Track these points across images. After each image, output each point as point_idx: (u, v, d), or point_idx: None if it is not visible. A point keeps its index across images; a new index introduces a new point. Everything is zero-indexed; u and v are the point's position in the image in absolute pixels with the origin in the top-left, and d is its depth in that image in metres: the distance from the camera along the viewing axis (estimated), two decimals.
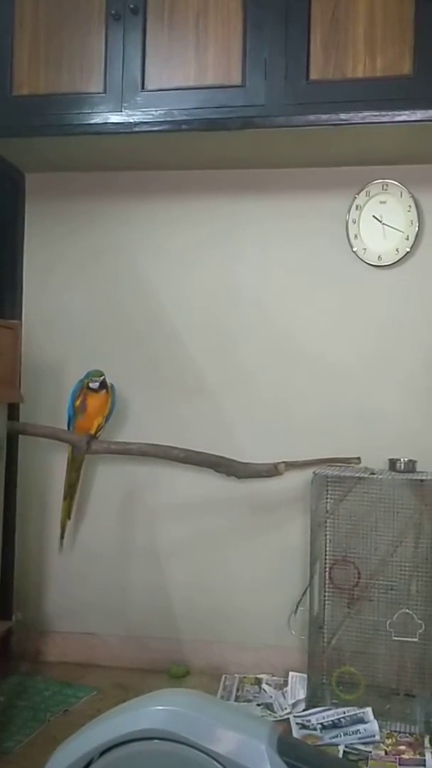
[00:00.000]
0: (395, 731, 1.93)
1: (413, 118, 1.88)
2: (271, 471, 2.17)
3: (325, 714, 1.95)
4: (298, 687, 2.13)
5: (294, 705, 2.07)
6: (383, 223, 2.25)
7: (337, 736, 1.87)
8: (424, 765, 1.78)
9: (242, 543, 2.34)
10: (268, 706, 2.07)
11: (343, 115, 1.91)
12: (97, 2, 2.02)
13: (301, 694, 2.09)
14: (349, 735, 1.87)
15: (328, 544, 2.11)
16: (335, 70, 1.91)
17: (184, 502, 2.37)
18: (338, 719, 1.92)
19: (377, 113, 1.89)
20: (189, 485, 2.35)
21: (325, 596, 2.11)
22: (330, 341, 2.30)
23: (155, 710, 1.13)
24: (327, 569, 2.11)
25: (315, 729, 1.90)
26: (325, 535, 2.11)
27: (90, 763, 1.12)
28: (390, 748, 1.85)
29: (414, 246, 2.24)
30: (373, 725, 1.90)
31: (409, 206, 2.23)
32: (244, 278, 2.36)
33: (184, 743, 1.08)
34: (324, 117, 1.92)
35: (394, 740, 1.88)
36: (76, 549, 2.43)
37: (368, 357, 2.28)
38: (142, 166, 2.37)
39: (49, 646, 2.40)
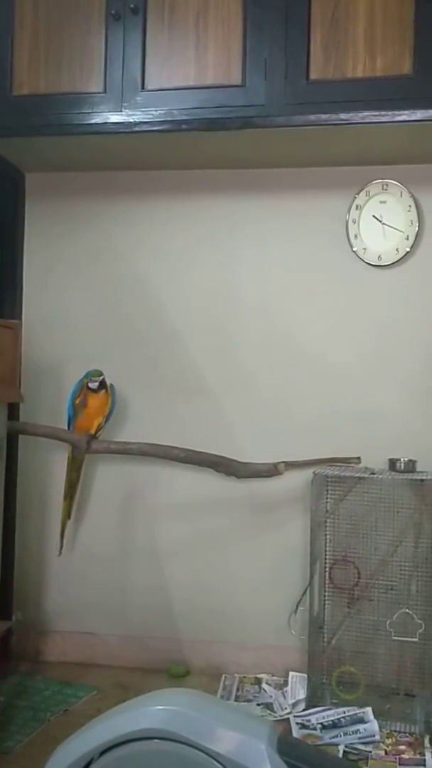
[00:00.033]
0: (395, 731, 1.93)
1: (413, 118, 1.89)
2: (271, 471, 2.17)
3: (325, 714, 1.95)
4: (298, 687, 2.13)
5: (294, 705, 2.07)
6: (383, 223, 2.25)
7: (337, 736, 1.87)
8: (424, 765, 1.78)
9: (242, 543, 2.34)
10: (268, 706, 2.07)
11: (343, 115, 1.91)
12: (97, 2, 2.02)
13: (301, 693, 2.09)
14: (349, 735, 1.87)
15: (328, 544, 2.11)
16: (335, 70, 1.91)
17: (184, 501, 2.37)
18: (338, 719, 1.92)
19: (377, 113, 1.90)
20: (189, 485, 2.35)
21: (325, 596, 2.12)
22: (330, 341, 2.30)
23: (155, 710, 1.13)
24: (327, 569, 2.11)
25: (315, 729, 1.90)
26: (325, 534, 2.11)
27: (90, 762, 1.12)
28: (390, 747, 1.85)
29: (414, 246, 2.24)
30: (373, 725, 1.90)
31: (409, 206, 2.23)
32: (244, 278, 2.36)
33: (184, 743, 1.08)
34: (324, 117, 1.92)
35: (394, 740, 1.88)
36: (76, 549, 2.43)
37: (368, 357, 2.28)
38: (142, 165, 2.37)
39: (49, 645, 2.41)
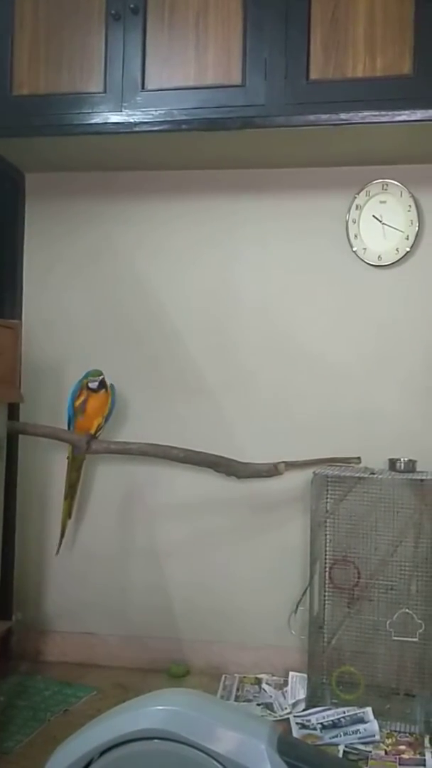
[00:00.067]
0: (395, 731, 1.93)
1: (413, 118, 1.89)
2: (271, 471, 2.17)
3: (325, 714, 1.95)
4: (298, 687, 2.13)
5: (294, 705, 2.07)
6: (383, 223, 2.25)
7: (337, 736, 1.87)
8: (424, 765, 1.78)
9: (242, 543, 2.34)
10: (268, 706, 2.07)
11: (343, 115, 1.91)
12: (97, 2, 2.02)
13: (301, 693, 2.09)
14: (349, 735, 1.87)
15: (328, 544, 2.11)
16: (335, 70, 1.91)
17: (183, 502, 2.37)
18: (338, 719, 1.92)
19: (377, 113, 1.90)
20: (189, 485, 2.35)
21: (325, 596, 2.12)
22: (330, 341, 2.30)
23: (155, 710, 1.13)
24: (327, 569, 2.11)
25: (315, 729, 1.90)
26: (325, 535, 2.11)
27: (90, 762, 1.12)
28: (390, 747, 1.85)
29: (414, 246, 2.24)
30: (373, 725, 1.90)
31: (409, 206, 2.23)
32: (244, 278, 2.36)
33: (184, 743, 1.08)
34: (324, 117, 1.92)
35: (394, 740, 1.88)
36: (76, 549, 2.43)
37: (368, 357, 2.28)
38: (142, 166, 2.37)
39: (49, 645, 2.40)
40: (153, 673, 2.28)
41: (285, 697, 2.11)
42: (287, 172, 2.32)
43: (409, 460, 2.13)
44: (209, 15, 1.97)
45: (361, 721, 1.91)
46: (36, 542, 2.44)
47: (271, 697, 2.12)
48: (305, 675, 2.10)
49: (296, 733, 1.90)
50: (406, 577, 2.05)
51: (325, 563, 2.11)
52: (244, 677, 2.25)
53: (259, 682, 2.21)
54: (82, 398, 2.23)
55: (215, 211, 2.37)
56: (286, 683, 2.18)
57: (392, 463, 2.14)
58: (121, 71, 2.01)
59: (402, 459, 2.13)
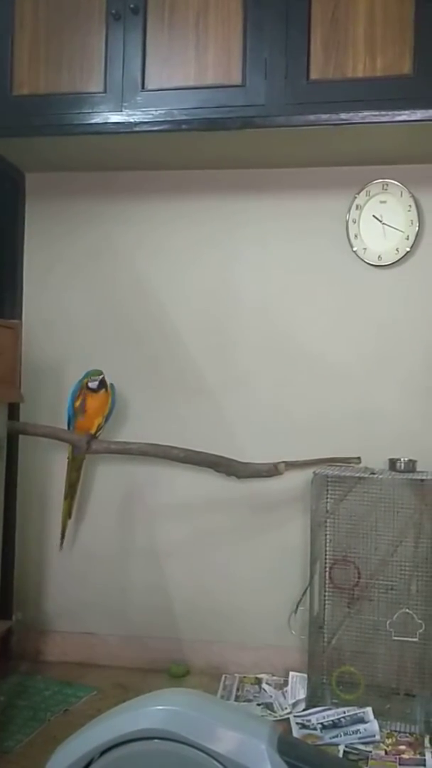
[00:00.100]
0: (395, 731, 1.93)
1: (413, 118, 1.89)
2: (271, 471, 2.17)
3: (325, 714, 1.95)
4: (298, 687, 2.13)
5: (294, 705, 2.07)
6: (383, 223, 2.25)
7: (337, 736, 1.87)
8: (424, 765, 1.78)
9: (242, 543, 2.34)
10: (268, 706, 2.07)
11: (343, 115, 1.91)
12: (98, 2, 2.02)
13: (301, 693, 2.09)
14: (349, 735, 1.87)
15: (328, 544, 2.11)
16: (335, 69, 1.91)
17: (184, 502, 2.37)
18: (338, 719, 1.92)
19: (377, 113, 1.90)
20: (189, 485, 2.35)
21: (325, 596, 2.12)
22: (330, 341, 2.30)
23: (155, 710, 1.13)
24: (327, 569, 2.11)
25: (315, 729, 1.90)
26: (325, 534, 2.11)
27: (90, 762, 1.12)
28: (390, 747, 1.85)
29: (414, 246, 2.24)
30: (373, 725, 1.90)
31: (409, 206, 2.23)
32: (244, 278, 2.36)
33: (185, 743, 1.08)
34: (324, 117, 1.92)
35: (394, 740, 1.88)
36: (76, 549, 2.43)
37: (368, 357, 2.28)
38: (142, 166, 2.37)
39: (49, 645, 2.40)
40: (153, 673, 2.28)
41: (285, 697, 2.11)
42: (287, 172, 2.32)
43: (409, 460, 2.13)
44: (209, 15, 1.97)
45: (362, 721, 1.91)
46: (36, 542, 2.44)
47: (271, 697, 2.12)
48: (305, 675, 2.10)
49: (296, 733, 1.90)
50: (406, 577, 2.05)
51: (325, 563, 2.11)
52: (244, 677, 2.25)
53: (259, 682, 2.21)
54: (82, 398, 2.23)
55: (215, 211, 2.37)
56: (286, 683, 2.18)
57: (392, 463, 2.14)
58: (122, 71, 2.01)
59: (402, 459, 2.13)
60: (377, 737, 1.87)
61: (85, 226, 2.44)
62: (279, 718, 2.00)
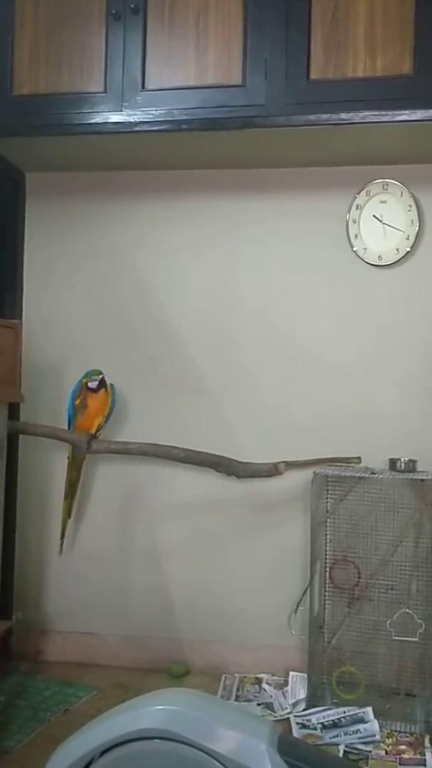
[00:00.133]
0: (395, 731, 1.93)
1: (413, 118, 1.89)
2: (272, 471, 2.17)
3: (325, 714, 1.95)
4: (298, 686, 2.13)
5: (294, 704, 2.07)
6: (383, 223, 2.25)
7: (337, 736, 1.87)
8: (425, 764, 1.78)
9: (242, 543, 2.34)
10: (269, 706, 2.07)
11: (343, 115, 1.91)
12: (98, 2, 2.02)
13: (302, 693, 2.09)
14: (350, 735, 1.87)
15: (328, 544, 2.11)
16: (335, 69, 1.91)
17: (184, 501, 2.37)
18: (338, 719, 1.92)
19: (377, 113, 1.90)
20: (189, 485, 2.35)
21: (325, 596, 2.12)
22: (330, 341, 2.30)
23: (155, 710, 1.12)
24: (327, 569, 2.11)
25: (315, 728, 1.90)
26: (326, 534, 2.11)
27: (90, 762, 1.12)
28: (390, 747, 1.85)
29: (414, 246, 2.24)
30: (373, 725, 1.90)
31: (410, 206, 2.23)
32: (244, 278, 2.36)
33: (185, 743, 1.08)
34: (324, 117, 1.92)
35: (394, 740, 1.88)
36: (76, 549, 2.43)
37: (368, 357, 2.28)
38: (142, 165, 2.37)
39: (50, 645, 2.40)
40: (153, 673, 2.28)
41: (285, 697, 2.11)
42: (287, 172, 2.32)
43: (410, 460, 2.13)
44: (209, 15, 1.97)
45: (362, 720, 1.91)
46: (36, 542, 2.44)
47: (271, 696, 2.12)
48: (305, 675, 2.10)
49: (296, 732, 1.90)
50: (406, 576, 2.05)
51: (326, 563, 2.11)
52: (245, 677, 2.25)
53: (259, 681, 2.21)
54: (82, 398, 2.23)
55: (215, 211, 2.37)
56: (286, 683, 2.18)
57: (392, 463, 2.14)
58: (122, 71, 2.01)
59: (402, 459, 2.13)
60: (377, 737, 1.87)
61: (85, 226, 2.44)
62: (279, 718, 2.00)
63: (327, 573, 2.11)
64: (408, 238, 2.23)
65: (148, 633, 2.36)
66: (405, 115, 1.89)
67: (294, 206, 2.32)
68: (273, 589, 2.29)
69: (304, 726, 1.91)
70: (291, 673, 2.18)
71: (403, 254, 2.24)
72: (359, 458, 2.22)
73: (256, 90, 1.94)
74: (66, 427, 2.27)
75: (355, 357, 2.28)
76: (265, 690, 2.16)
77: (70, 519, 2.37)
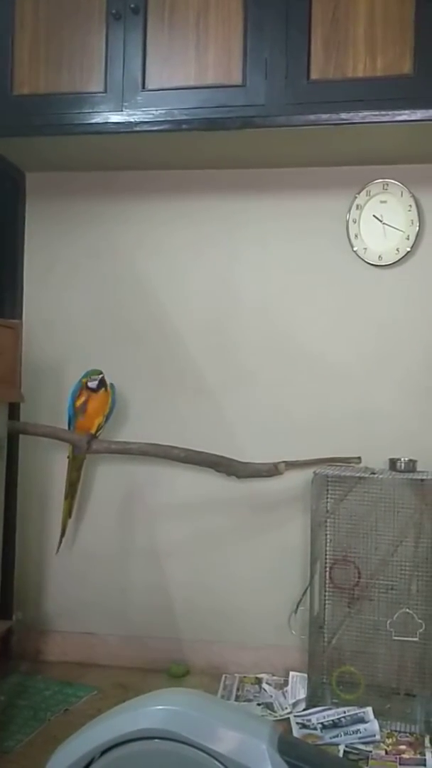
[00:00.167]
0: (395, 731, 1.93)
1: (413, 118, 1.89)
2: (272, 471, 2.17)
3: (325, 713, 1.95)
4: (298, 686, 2.13)
5: (294, 704, 2.07)
6: (384, 223, 2.25)
7: (337, 736, 1.87)
8: (425, 764, 1.78)
9: (242, 543, 2.34)
10: (269, 706, 2.07)
11: (343, 115, 1.91)
12: (98, 2, 2.02)
13: (302, 693, 2.09)
14: (350, 734, 1.87)
15: (328, 544, 2.11)
16: (336, 69, 1.91)
17: (184, 501, 2.37)
18: (338, 719, 1.92)
19: (377, 113, 1.90)
20: (189, 485, 2.35)
21: (325, 596, 2.12)
22: (330, 341, 2.30)
23: (156, 710, 1.12)
24: (327, 569, 2.11)
25: (315, 728, 1.90)
26: (326, 534, 2.11)
27: (91, 762, 1.12)
28: (390, 747, 1.85)
29: (414, 245, 2.24)
30: (373, 725, 1.90)
31: (410, 206, 2.23)
32: (244, 278, 2.36)
33: (185, 743, 1.08)
34: (324, 117, 1.92)
35: (394, 740, 1.88)
36: (76, 549, 2.42)
37: (368, 357, 2.28)
38: (143, 165, 2.37)
39: (50, 645, 2.40)
40: (153, 673, 2.28)
41: (285, 697, 2.11)
42: (287, 172, 2.32)
43: (410, 460, 2.13)
44: (210, 15, 1.97)
45: (362, 720, 1.91)
46: (36, 542, 2.44)
47: (271, 696, 2.12)
48: (305, 675, 2.10)
49: (297, 732, 1.90)
50: (406, 576, 2.05)
51: (326, 563, 2.11)
52: (245, 677, 2.25)
53: (259, 681, 2.21)
54: (82, 398, 2.23)
55: (215, 211, 2.37)
56: (286, 683, 2.18)
57: (393, 463, 2.14)
58: (122, 71, 2.01)
59: (402, 459, 2.13)
60: (377, 737, 1.87)
61: (85, 226, 2.44)
62: (279, 717, 2.00)
63: (327, 573, 2.11)
64: (408, 238, 2.23)
65: (148, 633, 2.36)
66: (405, 115, 1.89)
67: (294, 206, 2.32)
68: (273, 589, 2.29)
69: (304, 726, 1.91)
70: (291, 673, 2.18)
71: (403, 254, 2.24)
72: (359, 458, 2.22)
73: (256, 90, 1.94)
74: (66, 427, 2.27)
75: (355, 357, 2.28)
76: (265, 690, 2.16)
77: (70, 519, 2.37)
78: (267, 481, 2.23)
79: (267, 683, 2.19)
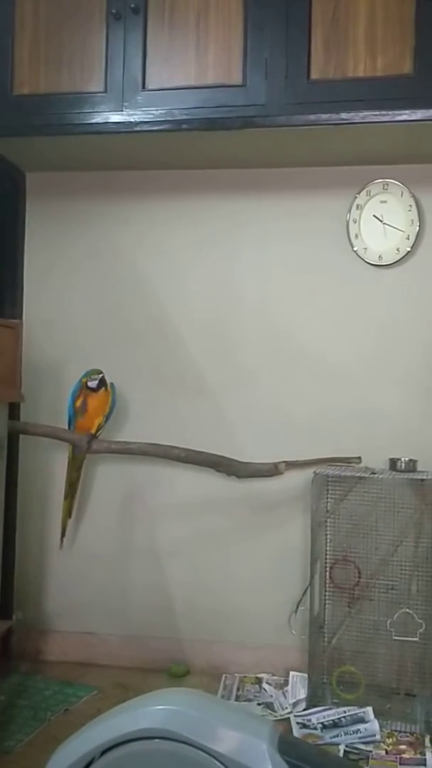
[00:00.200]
0: (396, 731, 1.93)
1: (413, 118, 1.89)
2: (272, 470, 2.17)
3: (325, 713, 1.95)
4: (298, 686, 2.13)
5: (294, 704, 2.07)
6: (384, 223, 2.25)
7: (337, 736, 1.87)
8: (425, 764, 1.78)
9: (242, 543, 2.34)
10: (269, 706, 2.07)
11: (343, 115, 1.91)
12: (98, 2, 2.02)
13: (302, 693, 2.09)
14: (350, 734, 1.87)
15: (328, 544, 2.11)
16: (336, 69, 1.91)
17: (184, 501, 2.37)
18: (339, 719, 1.92)
19: (378, 113, 1.90)
20: (189, 485, 2.35)
21: (325, 596, 2.12)
22: (330, 341, 2.30)
23: (156, 710, 1.12)
24: (327, 569, 2.11)
25: (315, 728, 1.90)
26: (326, 534, 2.11)
27: (91, 762, 1.12)
28: (390, 747, 1.85)
29: (414, 245, 2.24)
30: (373, 725, 1.90)
31: (410, 206, 2.23)
32: (244, 278, 2.36)
33: (185, 742, 1.08)
34: (324, 116, 1.92)
35: (394, 740, 1.88)
36: (76, 549, 2.42)
37: (368, 357, 2.28)
38: (143, 165, 2.37)
39: (50, 645, 2.40)
40: (153, 673, 2.28)
41: (285, 697, 2.11)
42: (287, 172, 2.32)
43: (410, 460, 2.14)
44: (210, 15, 1.97)
45: (362, 720, 1.91)
46: (36, 542, 2.44)
47: (271, 696, 2.12)
48: (306, 675, 2.10)
49: (297, 732, 1.90)
50: (406, 576, 2.05)
51: (326, 563, 2.11)
52: (245, 677, 2.25)
53: (259, 681, 2.21)
54: (82, 398, 2.23)
55: (215, 211, 2.37)
56: (286, 683, 2.18)
57: (393, 463, 2.14)
58: (122, 71, 2.01)
59: (402, 459, 2.13)
60: (378, 737, 1.87)
61: (85, 226, 2.44)
62: (279, 717, 2.00)
63: (327, 573, 2.11)
64: (408, 238, 2.24)
65: (148, 633, 2.36)
66: (405, 115, 1.89)
67: (294, 206, 2.32)
68: (273, 589, 2.29)
69: (304, 726, 1.92)
70: (291, 673, 2.18)
71: (403, 254, 2.24)
72: (359, 458, 2.22)
73: (256, 90, 1.94)
74: (66, 427, 2.27)
75: (355, 357, 2.28)
76: (265, 690, 2.16)
77: (70, 519, 2.37)
78: (267, 481, 2.23)
79: (267, 683, 2.19)
